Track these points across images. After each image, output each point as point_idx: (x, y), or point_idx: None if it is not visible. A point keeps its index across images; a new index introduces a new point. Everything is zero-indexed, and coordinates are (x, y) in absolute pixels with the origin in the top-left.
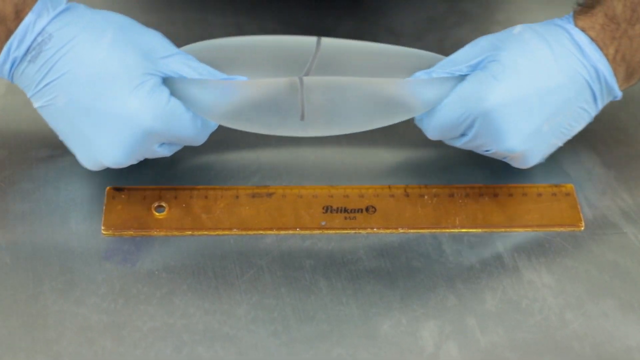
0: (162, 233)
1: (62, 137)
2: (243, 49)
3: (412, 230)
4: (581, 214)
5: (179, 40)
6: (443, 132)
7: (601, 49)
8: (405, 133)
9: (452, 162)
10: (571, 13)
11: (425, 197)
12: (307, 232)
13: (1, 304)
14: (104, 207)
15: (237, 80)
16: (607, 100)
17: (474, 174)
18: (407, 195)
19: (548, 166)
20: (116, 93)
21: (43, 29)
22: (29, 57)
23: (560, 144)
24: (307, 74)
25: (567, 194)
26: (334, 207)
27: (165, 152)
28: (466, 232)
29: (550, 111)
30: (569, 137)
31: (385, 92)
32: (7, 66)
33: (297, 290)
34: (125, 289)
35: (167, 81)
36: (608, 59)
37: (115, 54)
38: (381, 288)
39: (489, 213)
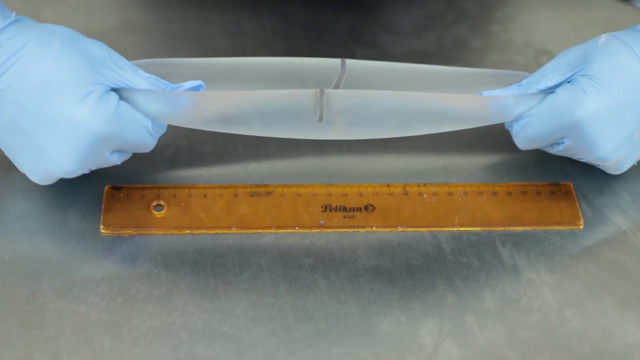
0: (160, 232)
1: (8, 153)
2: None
3: (411, 229)
4: (580, 213)
5: (177, 38)
6: (532, 144)
7: None
8: None
9: (451, 161)
10: None
11: (424, 195)
12: (306, 230)
13: None
14: (103, 206)
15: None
16: None
17: (472, 173)
18: (406, 193)
19: (547, 164)
20: (66, 100)
21: None
22: None
23: None
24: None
25: (566, 192)
26: (333, 205)
27: (115, 159)
28: (465, 230)
29: None
30: None
31: (458, 108)
32: None
33: (296, 289)
34: (124, 287)
35: (131, 94)
36: None
37: (63, 62)
38: (380, 286)
39: (488, 211)
